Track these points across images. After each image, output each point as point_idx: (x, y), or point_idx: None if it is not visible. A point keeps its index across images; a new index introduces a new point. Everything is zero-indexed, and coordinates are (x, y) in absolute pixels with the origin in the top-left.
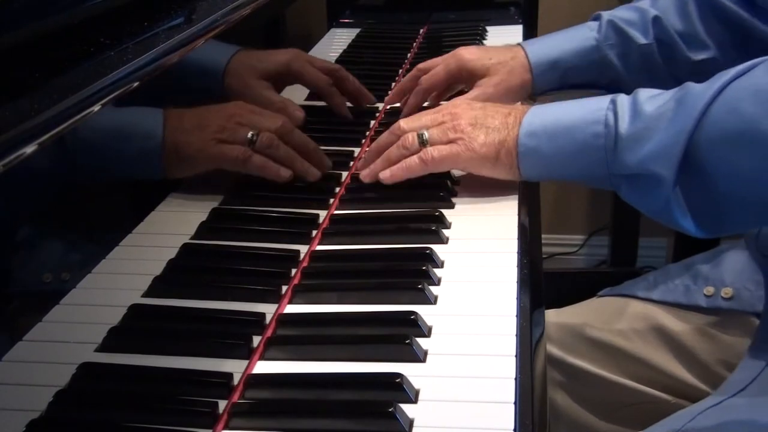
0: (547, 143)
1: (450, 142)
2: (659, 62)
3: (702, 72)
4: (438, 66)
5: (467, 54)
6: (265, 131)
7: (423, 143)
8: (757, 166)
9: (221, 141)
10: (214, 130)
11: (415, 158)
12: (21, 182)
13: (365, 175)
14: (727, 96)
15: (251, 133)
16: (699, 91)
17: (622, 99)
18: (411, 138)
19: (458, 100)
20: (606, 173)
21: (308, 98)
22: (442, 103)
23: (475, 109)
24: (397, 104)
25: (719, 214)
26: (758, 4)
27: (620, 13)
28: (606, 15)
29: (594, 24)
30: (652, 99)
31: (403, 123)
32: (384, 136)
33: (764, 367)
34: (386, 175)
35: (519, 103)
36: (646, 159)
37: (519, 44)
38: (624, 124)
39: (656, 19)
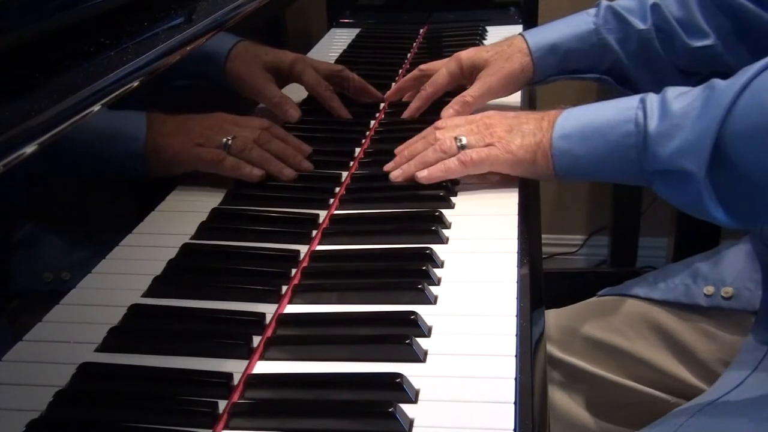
0: (580, 144)
1: (488, 145)
2: (658, 48)
3: (701, 59)
4: (440, 70)
5: (465, 53)
6: (241, 137)
7: (461, 147)
8: None
9: (198, 145)
10: (194, 136)
11: (453, 160)
12: (21, 182)
13: (397, 175)
14: (752, 91)
15: (226, 138)
16: (725, 88)
17: (652, 98)
18: (449, 142)
19: (491, 111)
20: (639, 170)
21: (309, 97)
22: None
23: (509, 118)
24: (398, 104)
25: (753, 205)
26: None
27: (620, 2)
28: (605, 2)
29: (593, 10)
30: (680, 97)
31: (439, 134)
32: (418, 143)
33: (760, 361)
34: (424, 175)
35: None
36: (675, 155)
37: (519, 33)
38: (653, 123)
39: (654, 6)
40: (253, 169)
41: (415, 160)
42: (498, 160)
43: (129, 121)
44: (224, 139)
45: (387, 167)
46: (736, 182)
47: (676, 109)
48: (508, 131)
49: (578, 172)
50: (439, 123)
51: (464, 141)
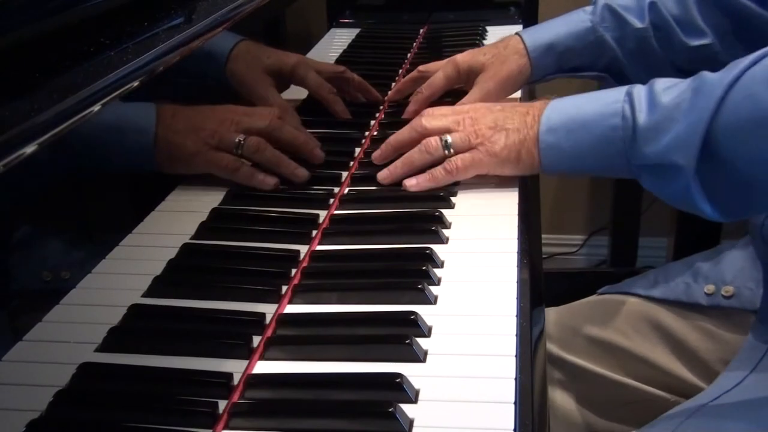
0: (566, 138)
1: (471, 148)
2: (655, 47)
3: (699, 58)
4: (437, 73)
5: (461, 57)
6: (254, 134)
7: (446, 148)
8: None
9: (212, 147)
10: (207, 135)
11: (440, 170)
12: (21, 182)
13: (385, 177)
14: (744, 84)
15: (239, 138)
16: (715, 80)
17: (639, 90)
18: (435, 143)
19: (478, 104)
20: (626, 164)
21: (309, 96)
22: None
23: (494, 112)
24: (398, 104)
25: (741, 199)
26: None
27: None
28: (602, 0)
29: (590, 8)
30: (668, 89)
31: (425, 122)
32: (405, 133)
33: (759, 360)
34: (412, 184)
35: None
36: (665, 150)
37: (516, 33)
38: (642, 116)
39: (652, 5)
40: (266, 177)
41: (401, 161)
42: (482, 164)
43: (137, 113)
44: (237, 139)
45: (375, 156)
46: (724, 176)
47: (666, 102)
48: (492, 128)
49: (564, 166)
50: (425, 111)
51: (449, 141)
